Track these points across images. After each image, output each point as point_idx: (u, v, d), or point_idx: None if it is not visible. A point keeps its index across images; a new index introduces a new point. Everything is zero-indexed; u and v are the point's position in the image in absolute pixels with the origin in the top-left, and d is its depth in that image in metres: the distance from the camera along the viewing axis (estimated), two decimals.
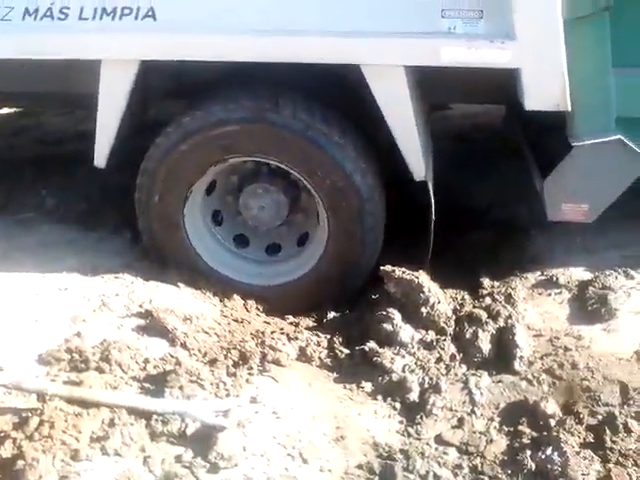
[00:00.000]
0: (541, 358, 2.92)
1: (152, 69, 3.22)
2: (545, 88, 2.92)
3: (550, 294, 3.30)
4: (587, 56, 2.95)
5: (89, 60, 3.15)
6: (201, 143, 3.26)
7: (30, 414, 2.38)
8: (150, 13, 3.06)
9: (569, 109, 2.96)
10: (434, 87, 3.45)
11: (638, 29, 3.03)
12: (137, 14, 3.07)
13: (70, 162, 4.81)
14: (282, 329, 3.25)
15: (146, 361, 2.78)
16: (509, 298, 3.18)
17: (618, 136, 3.07)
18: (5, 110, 5.97)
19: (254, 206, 3.46)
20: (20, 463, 2.09)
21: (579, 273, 3.39)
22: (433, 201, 3.29)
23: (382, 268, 3.11)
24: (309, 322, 3.36)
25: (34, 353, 2.81)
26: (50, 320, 3.06)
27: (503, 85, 3.11)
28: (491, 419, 2.67)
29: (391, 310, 2.98)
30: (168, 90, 3.59)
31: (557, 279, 3.35)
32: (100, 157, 3.38)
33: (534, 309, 3.20)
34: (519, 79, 2.92)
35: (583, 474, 2.35)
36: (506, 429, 2.62)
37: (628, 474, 2.37)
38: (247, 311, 3.37)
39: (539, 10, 2.78)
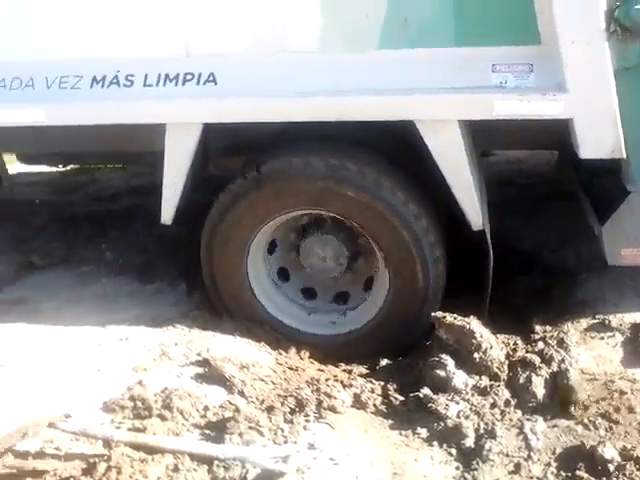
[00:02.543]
0: (596, 402, 2.91)
1: (213, 129, 3.37)
2: (599, 137, 2.98)
3: (603, 337, 3.31)
4: (638, 104, 2.99)
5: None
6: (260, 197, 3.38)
7: (97, 460, 2.47)
8: (211, 78, 3.23)
9: (624, 156, 3.01)
10: (489, 136, 3.55)
11: None
12: (199, 79, 3.24)
13: (125, 217, 5.03)
14: (336, 376, 3.30)
15: (206, 408, 2.86)
16: (561, 342, 3.16)
17: None
18: (60, 168, 6.26)
19: (314, 257, 3.57)
20: None
21: (631, 316, 3.40)
22: (491, 250, 3.34)
23: (433, 315, 3.16)
24: (362, 369, 3.41)
25: (99, 401, 2.92)
26: (112, 369, 3.18)
27: (556, 131, 3.17)
28: (548, 464, 2.66)
29: (444, 356, 3.01)
30: (227, 147, 3.74)
31: (609, 322, 3.36)
32: (167, 214, 3.52)
33: (587, 353, 3.20)
34: (572, 129, 2.99)
35: None
36: (563, 474, 2.61)
37: None
38: (301, 359, 3.45)
39: (590, 63, 2.87)
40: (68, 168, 6.51)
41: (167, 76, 3.24)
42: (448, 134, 3.09)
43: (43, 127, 3.45)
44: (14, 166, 5.68)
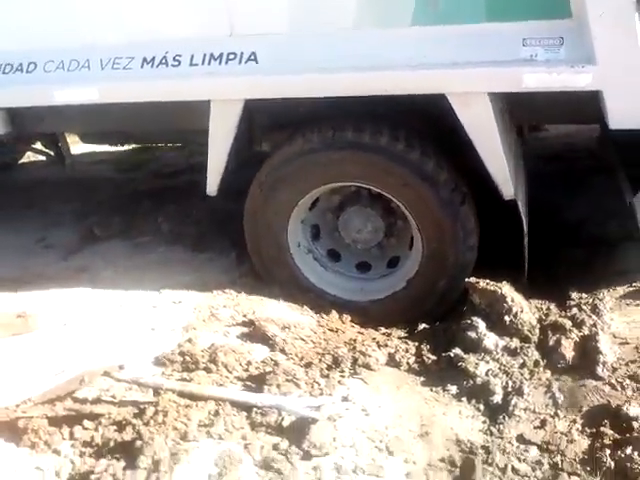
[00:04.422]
0: (626, 364, 2.96)
1: (256, 106, 3.55)
2: (628, 108, 3.03)
3: (638, 304, 3.34)
4: None
5: (199, 101, 3.52)
6: (305, 167, 3.56)
7: (147, 406, 2.70)
8: (252, 57, 3.41)
9: None
10: (528, 109, 3.57)
11: None
12: (241, 58, 3.42)
13: (183, 192, 5.28)
14: (374, 338, 3.46)
15: (249, 363, 3.06)
16: (595, 308, 3.24)
17: None
18: (125, 147, 6.57)
19: (353, 227, 3.74)
20: (138, 443, 2.40)
21: None
22: (525, 219, 3.42)
23: (467, 280, 3.27)
24: (400, 333, 3.55)
25: (151, 356, 3.16)
26: (165, 329, 3.42)
27: (594, 105, 3.19)
28: (573, 421, 2.75)
29: (475, 319, 3.13)
30: (272, 124, 3.90)
31: None
32: (212, 186, 3.75)
33: (620, 318, 3.25)
34: (602, 100, 3.04)
35: None
36: (588, 430, 2.69)
37: None
38: (342, 322, 3.61)
39: (618, 35, 2.91)
40: (131, 148, 6.84)
41: (212, 55, 3.43)
42: (479, 106, 3.17)
43: (99, 106, 3.69)
44: (78, 146, 6.01)
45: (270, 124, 3.85)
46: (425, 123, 3.58)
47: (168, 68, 3.51)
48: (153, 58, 3.52)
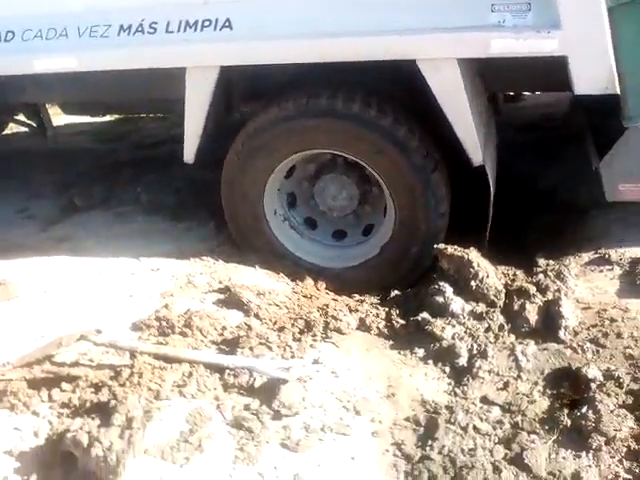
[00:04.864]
0: (587, 329, 3.08)
1: (233, 73, 3.60)
2: (593, 73, 3.09)
3: (602, 270, 3.46)
4: (634, 40, 3.07)
5: (175, 68, 3.56)
6: (280, 134, 3.61)
7: (123, 368, 2.78)
8: (227, 24, 3.45)
9: (617, 92, 3.10)
10: (499, 76, 3.66)
11: None
12: (216, 25, 3.46)
13: (163, 162, 5.33)
14: (348, 305, 3.54)
15: (223, 328, 3.15)
16: (559, 274, 3.34)
17: None
18: (107, 118, 6.60)
19: (328, 194, 3.81)
20: (112, 402, 2.49)
21: (632, 250, 3.53)
22: (492, 185, 3.50)
23: (435, 246, 3.36)
24: (373, 299, 3.64)
25: (128, 321, 3.24)
26: (143, 295, 3.49)
27: (563, 72, 3.24)
28: (535, 383, 2.86)
29: (442, 284, 3.23)
30: (249, 92, 3.95)
31: (610, 256, 3.51)
32: (189, 154, 3.80)
33: (584, 284, 3.36)
34: (568, 66, 3.09)
35: (615, 429, 2.51)
36: (548, 392, 2.80)
37: None
38: (317, 289, 3.69)
39: (583, 0, 2.96)
40: (112, 119, 6.87)
41: (187, 23, 3.47)
42: (448, 72, 3.23)
43: (79, 75, 3.72)
44: (60, 118, 6.03)
45: (247, 91, 3.90)
46: (398, 89, 3.63)
47: (144, 35, 3.54)
48: (130, 26, 3.56)
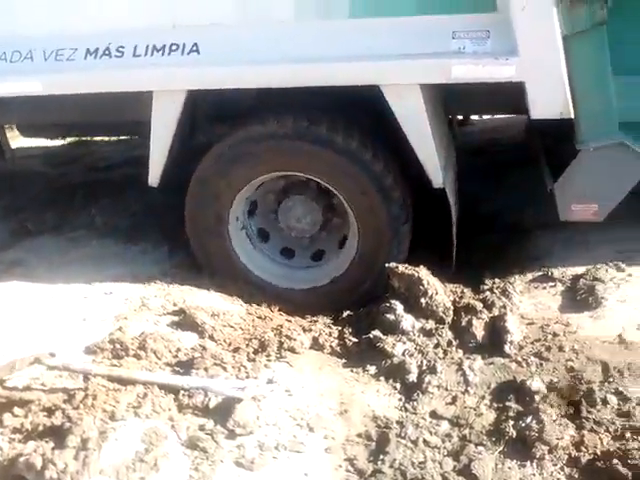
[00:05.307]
0: (531, 343, 3.20)
1: (199, 97, 3.64)
2: (548, 98, 3.23)
3: (545, 287, 3.60)
4: (587, 67, 3.23)
5: (142, 91, 3.59)
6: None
7: (77, 391, 2.78)
8: (195, 48, 3.50)
9: (572, 116, 3.25)
10: (460, 100, 3.81)
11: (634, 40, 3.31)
12: (183, 49, 3.51)
13: (118, 185, 5.34)
14: (301, 325, 3.60)
15: (178, 350, 3.18)
16: (505, 291, 3.47)
17: (620, 139, 3.34)
18: (59, 142, 6.57)
19: (293, 215, 3.89)
20: (67, 424, 2.49)
21: (574, 268, 3.68)
22: (453, 208, 3.62)
23: (387, 265, 3.45)
24: (326, 319, 3.71)
25: (82, 345, 3.24)
26: (96, 319, 3.49)
27: (520, 96, 3.35)
28: (482, 397, 2.96)
29: (394, 301, 3.32)
30: (212, 116, 3.97)
31: (552, 274, 3.65)
32: (154, 176, 3.82)
33: (529, 300, 3.50)
34: (524, 91, 3.23)
35: (557, 438, 2.62)
36: (495, 405, 2.91)
37: (600, 439, 2.63)
38: (271, 311, 3.74)
39: (539, 28, 3.11)
40: (66, 142, 6.84)
41: (155, 47, 3.50)
42: (411, 97, 3.33)
43: (41, 98, 3.71)
44: (17, 141, 5.98)
45: (213, 115, 3.94)
46: (364, 114, 3.71)
47: (111, 59, 3.56)
48: (96, 49, 3.57)
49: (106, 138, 6.86)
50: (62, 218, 4.92)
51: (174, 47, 3.51)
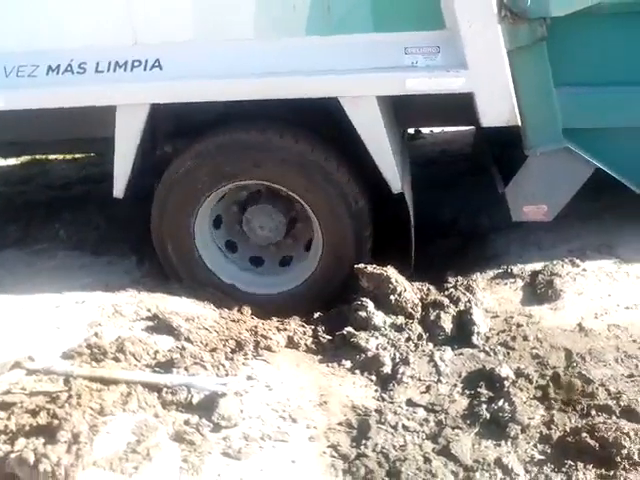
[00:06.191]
0: (497, 334, 3.37)
1: (160, 111, 3.73)
2: (496, 107, 3.47)
3: (506, 283, 3.77)
4: (531, 78, 3.46)
5: (104, 107, 3.64)
6: (203, 168, 3.75)
7: (60, 393, 2.80)
8: (157, 64, 3.59)
9: (519, 124, 3.49)
10: (411, 113, 4.00)
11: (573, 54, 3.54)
12: (146, 65, 3.60)
13: (77, 202, 5.33)
14: (275, 326, 3.66)
15: (156, 352, 3.22)
16: (469, 287, 3.64)
17: (565, 145, 3.58)
18: (11, 161, 6.51)
19: (256, 226, 3.96)
20: (55, 422, 2.51)
21: (532, 265, 3.87)
22: (412, 211, 3.78)
23: (355, 266, 3.58)
24: (299, 320, 3.78)
25: (59, 351, 3.24)
26: (70, 326, 3.50)
27: (469, 108, 3.57)
28: (454, 385, 3.10)
29: (365, 300, 3.45)
30: (174, 130, 4.04)
31: (512, 270, 3.83)
32: (119, 189, 3.87)
33: (491, 295, 3.67)
34: (474, 101, 3.45)
35: (529, 418, 2.78)
36: (467, 392, 3.05)
37: (568, 417, 2.80)
38: (242, 314, 3.81)
39: (485, 43, 3.33)
40: (18, 162, 6.77)
41: (117, 63, 3.57)
42: (368, 108, 3.51)
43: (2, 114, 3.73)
44: None
45: (173, 128, 4.02)
46: (326, 126, 3.85)
47: (74, 75, 3.61)
48: (58, 66, 3.61)
49: (60, 157, 6.84)
50: (25, 232, 4.88)
51: (136, 63, 3.59)
